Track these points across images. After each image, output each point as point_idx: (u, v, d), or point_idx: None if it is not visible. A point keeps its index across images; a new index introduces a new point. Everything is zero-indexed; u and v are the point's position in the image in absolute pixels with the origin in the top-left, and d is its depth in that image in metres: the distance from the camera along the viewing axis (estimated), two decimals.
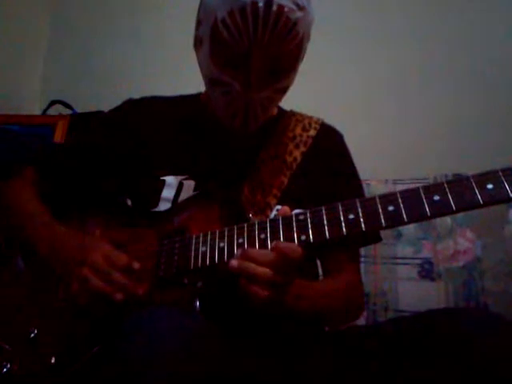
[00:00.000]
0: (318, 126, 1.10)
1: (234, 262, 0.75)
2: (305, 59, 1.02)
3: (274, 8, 0.87)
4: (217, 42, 0.93)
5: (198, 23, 1.00)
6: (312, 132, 1.09)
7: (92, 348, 0.80)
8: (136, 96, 1.16)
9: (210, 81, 0.99)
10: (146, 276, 0.87)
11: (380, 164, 1.69)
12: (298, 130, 1.08)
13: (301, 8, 0.90)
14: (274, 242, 0.75)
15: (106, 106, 1.18)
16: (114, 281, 0.81)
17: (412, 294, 1.49)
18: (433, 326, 0.73)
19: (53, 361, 0.82)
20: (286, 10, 0.88)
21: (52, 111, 2.08)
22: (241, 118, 0.98)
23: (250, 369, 0.81)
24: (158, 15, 2.21)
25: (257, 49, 0.90)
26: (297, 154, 1.05)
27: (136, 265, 0.83)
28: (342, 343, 0.83)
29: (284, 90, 1.01)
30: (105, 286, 0.81)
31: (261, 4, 0.87)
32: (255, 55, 0.91)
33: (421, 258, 1.52)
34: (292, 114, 1.13)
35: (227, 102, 0.98)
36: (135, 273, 0.83)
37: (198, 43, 1.01)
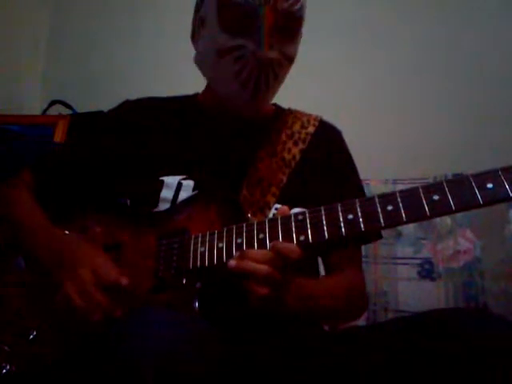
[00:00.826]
0: (316, 123, 1.10)
1: (233, 262, 0.76)
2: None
3: None
4: (226, 7, 0.96)
5: (199, 5, 1.04)
6: (311, 129, 1.08)
7: (91, 348, 0.80)
8: (135, 96, 1.15)
9: (217, 53, 0.99)
10: (144, 276, 0.87)
11: (380, 164, 1.69)
12: (297, 128, 1.08)
13: None
14: (273, 242, 0.76)
15: (105, 106, 1.18)
16: (94, 301, 0.81)
17: (412, 294, 1.49)
18: (433, 326, 0.73)
19: (52, 362, 0.82)
20: None
21: (52, 111, 2.08)
22: (252, 86, 0.98)
23: (249, 369, 0.81)
24: (157, 15, 2.21)
25: (267, 6, 0.94)
26: (295, 151, 1.05)
27: (124, 281, 0.83)
28: (342, 343, 0.83)
29: (290, 59, 1.02)
30: (84, 305, 0.81)
31: None
32: (266, 13, 0.94)
33: (421, 258, 1.52)
34: (290, 111, 1.13)
35: (238, 68, 0.97)
36: (123, 289, 0.83)
37: (197, 28, 1.05)
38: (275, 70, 0.99)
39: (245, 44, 0.96)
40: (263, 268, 0.74)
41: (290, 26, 0.99)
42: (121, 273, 0.84)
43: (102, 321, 0.80)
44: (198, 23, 1.05)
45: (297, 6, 0.97)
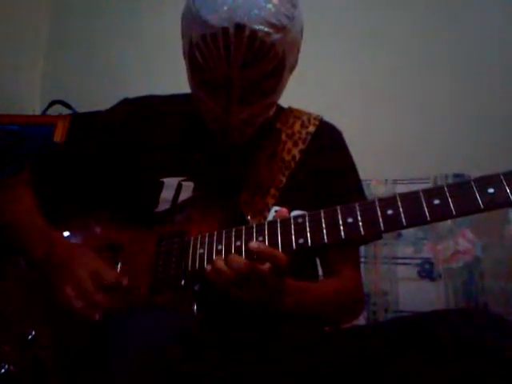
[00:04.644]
0: (317, 123, 1.08)
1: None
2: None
3: (247, 33, 0.84)
4: (194, 64, 0.92)
5: (182, 37, 0.98)
6: (311, 129, 1.07)
7: (89, 349, 0.80)
8: (135, 96, 1.15)
9: (192, 94, 1.00)
10: (143, 277, 0.87)
11: (380, 164, 1.69)
12: (297, 127, 1.07)
13: (279, 29, 0.87)
14: (256, 245, 0.76)
15: (105, 106, 1.17)
16: (94, 302, 0.81)
17: (412, 294, 1.49)
18: (433, 326, 0.73)
19: (50, 362, 0.82)
20: (260, 34, 0.85)
21: (52, 111, 2.08)
22: (225, 135, 0.98)
23: (247, 370, 0.81)
24: (157, 15, 2.21)
25: (231, 74, 0.88)
26: (295, 151, 1.04)
27: (124, 281, 0.83)
28: (341, 343, 0.83)
29: (269, 106, 0.99)
30: (84, 306, 0.81)
31: (232, 30, 0.84)
32: (230, 80, 0.89)
33: (421, 258, 1.52)
34: (290, 110, 1.11)
35: (209, 119, 0.98)
36: (124, 289, 0.83)
37: (183, 54, 1.00)
38: (249, 122, 0.96)
39: (211, 105, 0.94)
40: (220, 265, 0.77)
41: (264, 88, 0.93)
42: (120, 273, 0.84)
43: (103, 321, 0.79)
44: (183, 50, 0.99)
45: (273, 63, 0.89)
